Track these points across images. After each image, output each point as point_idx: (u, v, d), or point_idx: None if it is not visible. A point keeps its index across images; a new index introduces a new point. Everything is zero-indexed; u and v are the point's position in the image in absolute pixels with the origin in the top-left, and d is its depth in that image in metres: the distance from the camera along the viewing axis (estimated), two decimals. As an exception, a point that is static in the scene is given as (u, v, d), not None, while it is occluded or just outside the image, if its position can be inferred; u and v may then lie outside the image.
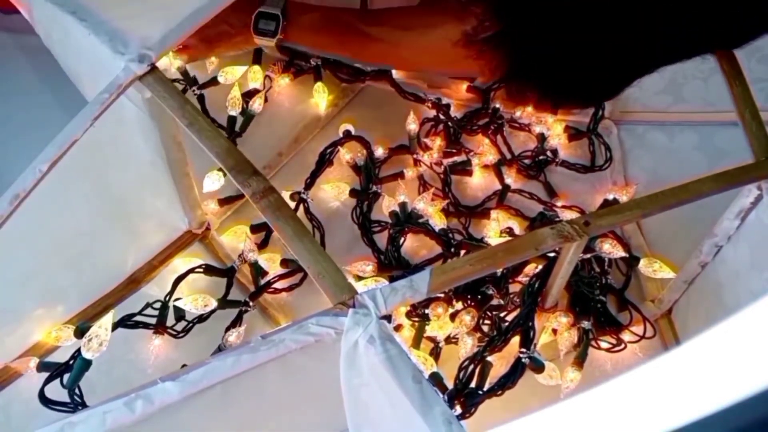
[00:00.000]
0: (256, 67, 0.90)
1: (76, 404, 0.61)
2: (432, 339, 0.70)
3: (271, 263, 0.77)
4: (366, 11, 0.84)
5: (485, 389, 0.62)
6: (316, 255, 0.47)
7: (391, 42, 0.80)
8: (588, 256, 0.73)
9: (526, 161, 0.89)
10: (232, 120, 0.86)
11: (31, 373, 0.66)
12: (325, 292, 0.46)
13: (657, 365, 0.27)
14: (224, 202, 0.83)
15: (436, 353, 0.69)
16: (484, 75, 0.64)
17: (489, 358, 0.64)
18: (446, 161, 0.87)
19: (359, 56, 0.89)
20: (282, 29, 0.81)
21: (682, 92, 0.87)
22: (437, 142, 0.87)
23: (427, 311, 0.69)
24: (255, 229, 0.81)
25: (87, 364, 0.62)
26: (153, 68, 0.54)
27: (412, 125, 0.87)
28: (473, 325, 0.68)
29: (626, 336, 0.72)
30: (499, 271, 0.71)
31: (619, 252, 0.71)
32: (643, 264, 0.75)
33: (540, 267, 0.69)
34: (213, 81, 0.88)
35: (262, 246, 0.79)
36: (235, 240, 0.80)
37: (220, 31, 0.83)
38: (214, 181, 0.81)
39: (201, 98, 0.87)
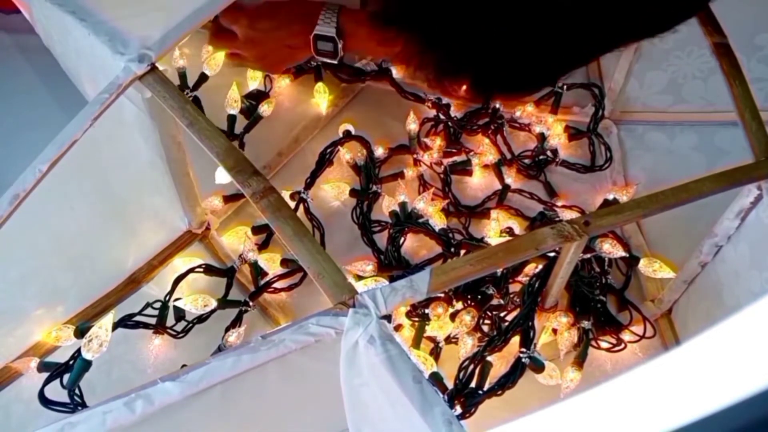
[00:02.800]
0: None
1: (76, 404, 0.61)
2: (432, 339, 0.70)
3: (270, 263, 0.77)
4: None
5: (485, 389, 0.62)
6: (315, 255, 0.47)
7: None
8: (588, 256, 0.73)
9: (526, 161, 0.89)
10: (232, 119, 0.86)
11: (32, 373, 0.66)
12: (325, 292, 0.46)
13: (657, 365, 0.27)
14: (229, 199, 0.83)
15: (436, 353, 0.69)
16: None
17: (489, 358, 0.64)
18: (446, 161, 0.87)
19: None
20: (342, 47, 0.80)
21: (682, 92, 0.87)
22: (437, 142, 0.87)
23: (427, 311, 0.69)
24: (256, 230, 0.81)
25: (87, 364, 0.62)
26: (153, 68, 0.54)
27: (412, 125, 0.87)
28: (473, 325, 0.68)
29: (626, 336, 0.72)
30: (499, 271, 0.71)
31: (619, 252, 0.71)
32: (643, 264, 0.75)
33: (540, 267, 0.69)
34: (203, 78, 0.87)
35: (262, 247, 0.79)
36: (236, 241, 0.80)
37: (283, 56, 0.83)
38: (226, 174, 0.79)
39: (196, 100, 0.85)
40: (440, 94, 0.89)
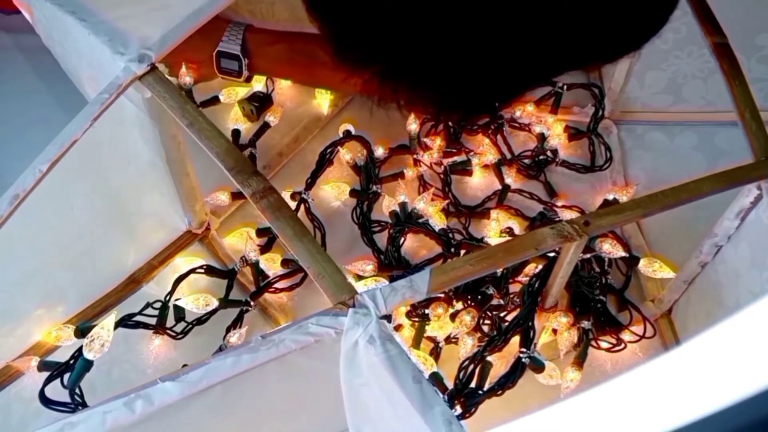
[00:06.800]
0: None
1: (77, 404, 0.61)
2: (432, 339, 0.70)
3: (271, 263, 0.77)
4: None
5: (485, 389, 0.62)
6: (315, 255, 0.47)
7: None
8: (588, 256, 0.73)
9: (526, 161, 0.89)
10: (236, 133, 0.87)
11: (32, 372, 0.66)
12: (324, 292, 0.46)
13: (657, 365, 0.27)
14: (237, 195, 0.82)
15: (436, 353, 0.69)
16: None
17: (489, 358, 0.64)
18: (446, 161, 0.87)
19: (326, 86, 0.90)
20: (246, 66, 0.78)
21: (682, 92, 0.88)
22: (437, 142, 0.87)
23: (427, 311, 0.69)
24: (261, 232, 0.81)
25: (88, 364, 0.62)
26: (153, 68, 0.54)
27: (413, 125, 0.87)
28: (473, 325, 0.68)
29: (626, 336, 0.72)
30: (499, 271, 0.71)
31: (619, 252, 0.71)
32: (643, 264, 0.75)
33: (540, 267, 0.69)
34: (214, 100, 0.88)
35: (266, 249, 0.79)
36: (239, 241, 0.80)
37: (188, 68, 0.80)
38: None
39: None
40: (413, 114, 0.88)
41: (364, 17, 0.54)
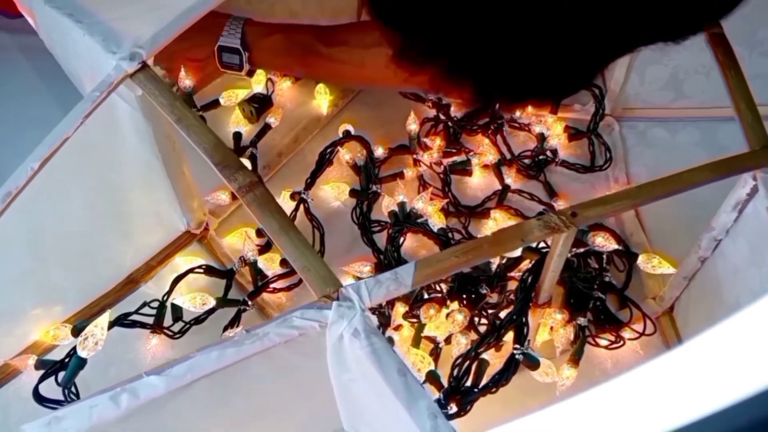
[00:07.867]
0: (260, 71, 0.91)
1: (71, 402, 0.61)
2: (432, 339, 0.69)
3: (269, 263, 0.77)
4: (323, 29, 0.81)
5: (479, 387, 0.61)
6: (301, 249, 0.47)
7: (353, 63, 0.79)
8: (582, 250, 0.72)
9: (526, 161, 0.88)
10: (237, 135, 0.87)
11: (30, 370, 0.66)
12: (310, 286, 0.46)
13: (657, 365, 0.27)
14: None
15: (436, 353, 0.68)
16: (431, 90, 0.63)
17: (487, 357, 0.63)
18: (446, 161, 0.87)
19: (323, 78, 0.90)
20: (247, 60, 0.79)
21: (684, 88, 0.87)
22: (437, 142, 0.87)
23: (419, 312, 0.69)
24: (260, 232, 0.81)
25: (82, 362, 0.62)
26: (144, 66, 0.55)
27: (413, 125, 0.87)
28: (465, 323, 0.67)
29: (627, 333, 0.71)
30: (493, 267, 0.71)
31: (612, 245, 0.70)
32: (642, 260, 0.74)
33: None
34: (215, 103, 0.89)
35: (264, 250, 0.79)
36: (238, 242, 0.80)
37: (189, 66, 0.81)
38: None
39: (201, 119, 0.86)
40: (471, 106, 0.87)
41: (428, 15, 0.55)
